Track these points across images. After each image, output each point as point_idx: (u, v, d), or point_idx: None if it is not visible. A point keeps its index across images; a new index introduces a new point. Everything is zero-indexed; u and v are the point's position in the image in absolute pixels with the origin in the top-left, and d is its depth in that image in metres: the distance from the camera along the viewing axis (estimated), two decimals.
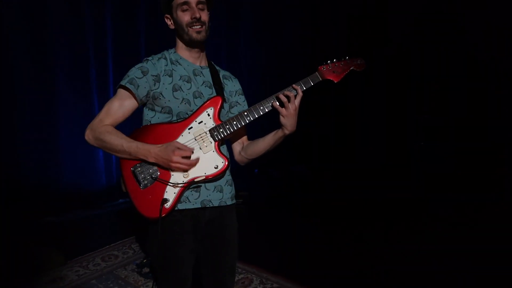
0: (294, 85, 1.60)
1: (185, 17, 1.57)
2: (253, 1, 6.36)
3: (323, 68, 1.66)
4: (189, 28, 1.58)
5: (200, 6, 1.59)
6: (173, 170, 1.52)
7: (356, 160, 6.65)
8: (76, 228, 4.04)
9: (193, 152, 1.53)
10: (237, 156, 1.83)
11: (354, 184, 5.69)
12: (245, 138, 1.83)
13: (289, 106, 1.55)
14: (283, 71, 6.37)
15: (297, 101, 1.57)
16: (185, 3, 1.57)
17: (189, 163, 1.51)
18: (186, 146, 1.52)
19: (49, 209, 4.24)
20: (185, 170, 1.53)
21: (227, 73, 1.82)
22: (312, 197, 5.29)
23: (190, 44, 1.63)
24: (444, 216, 4.38)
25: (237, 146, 1.82)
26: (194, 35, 1.58)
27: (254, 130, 1.93)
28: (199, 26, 1.58)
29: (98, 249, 3.46)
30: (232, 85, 1.80)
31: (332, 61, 1.67)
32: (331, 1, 6.69)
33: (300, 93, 1.58)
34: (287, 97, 1.56)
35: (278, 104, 1.58)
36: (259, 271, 3.13)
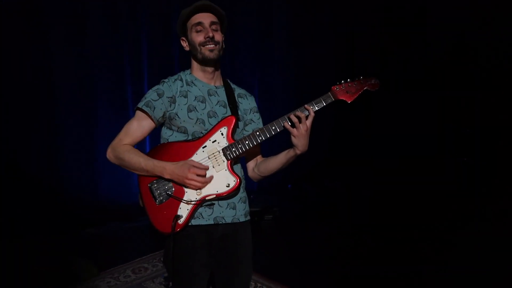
0: (306, 106, 1.61)
1: (198, 37, 1.64)
2: (286, 16, 6.44)
3: (336, 88, 1.66)
4: (201, 47, 1.64)
5: (213, 26, 1.65)
6: (187, 187, 1.58)
7: (397, 177, 6.41)
8: (111, 240, 4.22)
9: (207, 170, 1.59)
10: (250, 173, 1.86)
11: (394, 203, 5.48)
12: (259, 155, 1.86)
13: (300, 127, 1.57)
14: (314, 86, 6.38)
15: (308, 122, 1.58)
16: (199, 23, 1.64)
17: (203, 181, 1.56)
18: (201, 164, 1.58)
19: (88, 221, 4.47)
20: (199, 188, 1.58)
21: (242, 91, 1.87)
22: (348, 214, 5.16)
23: (204, 63, 1.68)
24: None
25: (251, 163, 1.85)
26: (207, 53, 1.64)
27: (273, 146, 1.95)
28: (212, 45, 1.63)
29: (129, 261, 3.58)
30: (247, 103, 1.84)
31: (345, 81, 1.67)
32: (364, 13, 6.65)
33: (312, 114, 1.59)
34: (298, 117, 1.57)
35: (289, 124, 1.60)
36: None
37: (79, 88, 4.41)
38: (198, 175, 1.54)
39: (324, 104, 1.64)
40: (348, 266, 3.52)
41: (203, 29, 1.64)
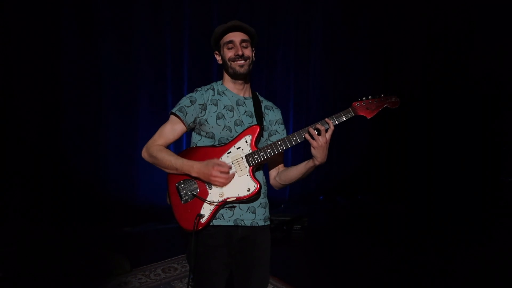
0: (327, 119, 1.69)
1: (229, 54, 1.78)
2: (323, 28, 6.51)
3: (357, 104, 1.73)
4: (232, 62, 1.78)
5: (243, 44, 1.79)
6: (212, 184, 1.69)
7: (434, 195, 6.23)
8: (145, 239, 4.42)
9: (231, 168, 1.70)
10: (272, 181, 1.95)
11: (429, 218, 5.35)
12: (281, 165, 1.95)
13: (319, 139, 1.64)
14: (349, 99, 6.36)
15: (328, 135, 1.66)
16: (230, 41, 1.78)
17: (227, 177, 1.67)
18: (224, 162, 1.69)
19: (125, 220, 4.72)
20: (223, 184, 1.68)
21: (269, 104, 1.97)
22: (380, 229, 5.09)
23: (234, 76, 1.82)
24: None
25: (273, 172, 1.94)
26: (237, 68, 1.78)
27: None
28: (242, 61, 1.77)
29: (160, 261, 3.74)
30: (273, 115, 1.94)
31: (367, 98, 1.74)
32: (407, 24, 6.58)
33: (332, 127, 1.66)
34: (318, 130, 1.65)
35: (309, 136, 1.67)
36: None
37: (124, 95, 4.71)
38: (221, 172, 1.65)
39: (344, 119, 1.71)
40: (374, 280, 3.50)
41: (234, 47, 1.77)
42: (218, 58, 1.88)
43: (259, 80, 5.75)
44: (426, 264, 3.80)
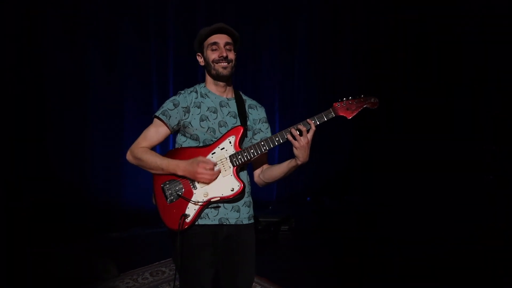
0: (308, 120, 1.73)
1: (213, 55, 1.82)
2: (309, 31, 6.60)
3: (338, 105, 1.78)
4: (215, 64, 1.81)
5: (227, 47, 1.82)
6: (198, 181, 1.73)
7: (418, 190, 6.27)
8: (133, 244, 4.42)
9: (216, 165, 1.73)
10: (256, 179, 1.99)
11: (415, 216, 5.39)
12: (265, 164, 1.99)
13: (301, 139, 1.68)
14: (333, 101, 6.44)
15: (309, 135, 1.70)
16: (215, 43, 1.81)
17: (212, 174, 1.70)
18: (209, 159, 1.73)
19: (112, 225, 4.71)
20: (209, 181, 1.71)
21: (253, 102, 2.01)
22: (367, 232, 4.98)
23: (217, 78, 1.85)
24: None
25: (257, 170, 1.98)
26: (220, 70, 1.81)
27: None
28: (225, 63, 1.81)
29: (149, 264, 3.75)
30: (256, 114, 1.98)
31: (347, 99, 1.79)
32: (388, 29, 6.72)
33: (313, 128, 1.70)
34: (299, 131, 1.69)
35: (291, 136, 1.71)
36: None
37: (109, 100, 4.71)
38: (206, 169, 1.69)
39: (325, 119, 1.75)
40: (360, 280, 3.57)
41: (218, 49, 1.81)
42: (201, 60, 1.91)
43: (243, 82, 5.81)
44: (412, 264, 3.84)
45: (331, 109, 1.77)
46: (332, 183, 6.76)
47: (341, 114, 1.77)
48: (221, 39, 1.82)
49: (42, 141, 4.28)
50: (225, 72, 1.82)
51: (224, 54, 1.80)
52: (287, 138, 1.73)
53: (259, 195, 5.99)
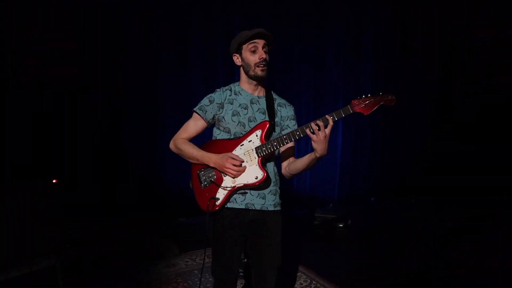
0: (327, 116, 1.85)
1: (253, 57, 2.01)
2: (374, 35, 6.45)
3: (356, 102, 1.87)
4: (256, 67, 2.00)
5: (265, 49, 2.02)
6: (225, 175, 1.97)
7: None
8: (196, 229, 4.83)
9: (243, 162, 1.95)
10: (283, 171, 2.17)
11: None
12: (292, 157, 2.17)
13: (319, 134, 1.81)
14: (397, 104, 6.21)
15: (327, 130, 1.83)
16: (254, 46, 2.00)
17: (237, 169, 1.93)
18: (237, 156, 1.96)
19: (182, 211, 5.19)
20: (234, 175, 1.95)
21: (283, 101, 2.19)
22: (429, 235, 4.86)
23: (255, 79, 2.04)
24: None
25: (284, 163, 2.17)
26: (260, 72, 2.01)
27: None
28: (264, 66, 2.01)
29: (207, 248, 4.09)
30: (285, 112, 2.16)
31: (366, 96, 1.88)
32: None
33: (331, 123, 1.83)
34: (318, 126, 1.83)
35: (311, 131, 1.85)
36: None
37: (180, 101, 5.17)
38: (233, 165, 1.92)
39: (343, 115, 1.87)
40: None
41: (258, 52, 2.00)
42: (238, 60, 2.09)
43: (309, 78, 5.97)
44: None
45: (349, 106, 1.88)
46: (399, 185, 6.53)
47: (358, 111, 1.87)
48: (260, 42, 2.00)
49: (120, 135, 5.00)
50: (263, 74, 2.01)
51: (264, 56, 1.99)
52: (307, 133, 1.88)
53: (321, 193, 6.12)
